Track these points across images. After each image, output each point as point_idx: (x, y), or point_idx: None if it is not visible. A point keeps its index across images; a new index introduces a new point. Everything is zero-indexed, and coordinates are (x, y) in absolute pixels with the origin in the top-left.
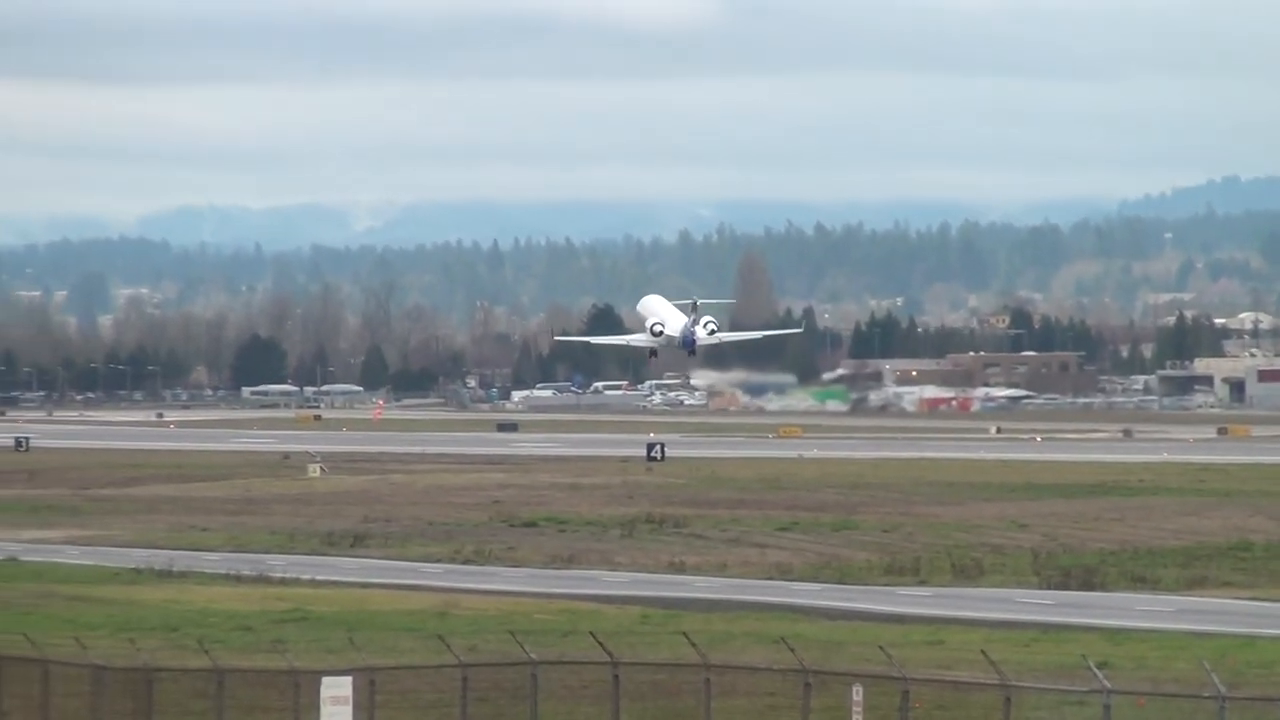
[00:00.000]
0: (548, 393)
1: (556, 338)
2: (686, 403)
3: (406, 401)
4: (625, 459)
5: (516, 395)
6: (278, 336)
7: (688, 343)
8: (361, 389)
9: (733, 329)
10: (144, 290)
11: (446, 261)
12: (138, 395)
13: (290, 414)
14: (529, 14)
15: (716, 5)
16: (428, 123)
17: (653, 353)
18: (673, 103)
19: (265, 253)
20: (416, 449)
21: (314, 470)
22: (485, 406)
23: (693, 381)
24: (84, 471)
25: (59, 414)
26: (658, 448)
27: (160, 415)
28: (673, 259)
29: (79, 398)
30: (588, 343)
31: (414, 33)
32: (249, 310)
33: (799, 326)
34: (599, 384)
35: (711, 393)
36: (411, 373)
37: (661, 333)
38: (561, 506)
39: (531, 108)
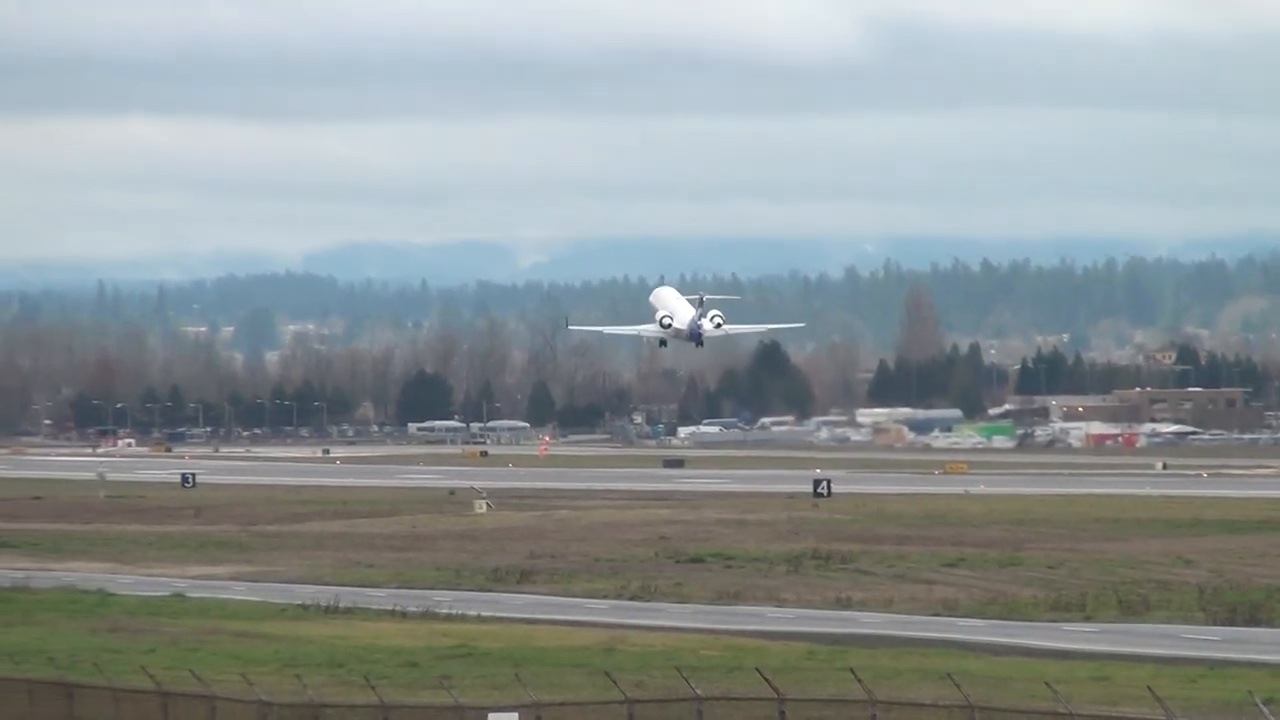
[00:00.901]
0: (714, 429)
1: (571, 327)
2: (853, 439)
3: (573, 437)
4: (791, 495)
5: (683, 431)
6: (444, 372)
7: (694, 334)
8: (528, 425)
9: (899, 365)
10: (310, 326)
11: (613, 297)
12: (304, 431)
13: (456, 450)
14: (693, 50)
15: (879, 42)
16: (594, 158)
17: (662, 342)
18: (838, 139)
19: (431, 289)
20: (583, 485)
21: (480, 506)
22: (652, 442)
23: (859, 417)
24: (250, 508)
25: (225, 450)
26: (824, 483)
27: (326, 451)
28: (839, 295)
29: (245, 434)
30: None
31: (581, 69)
32: (415, 346)
33: (965, 362)
34: (765, 420)
35: (877, 429)
36: (578, 408)
37: (670, 325)
38: (728, 542)
39: (697, 143)
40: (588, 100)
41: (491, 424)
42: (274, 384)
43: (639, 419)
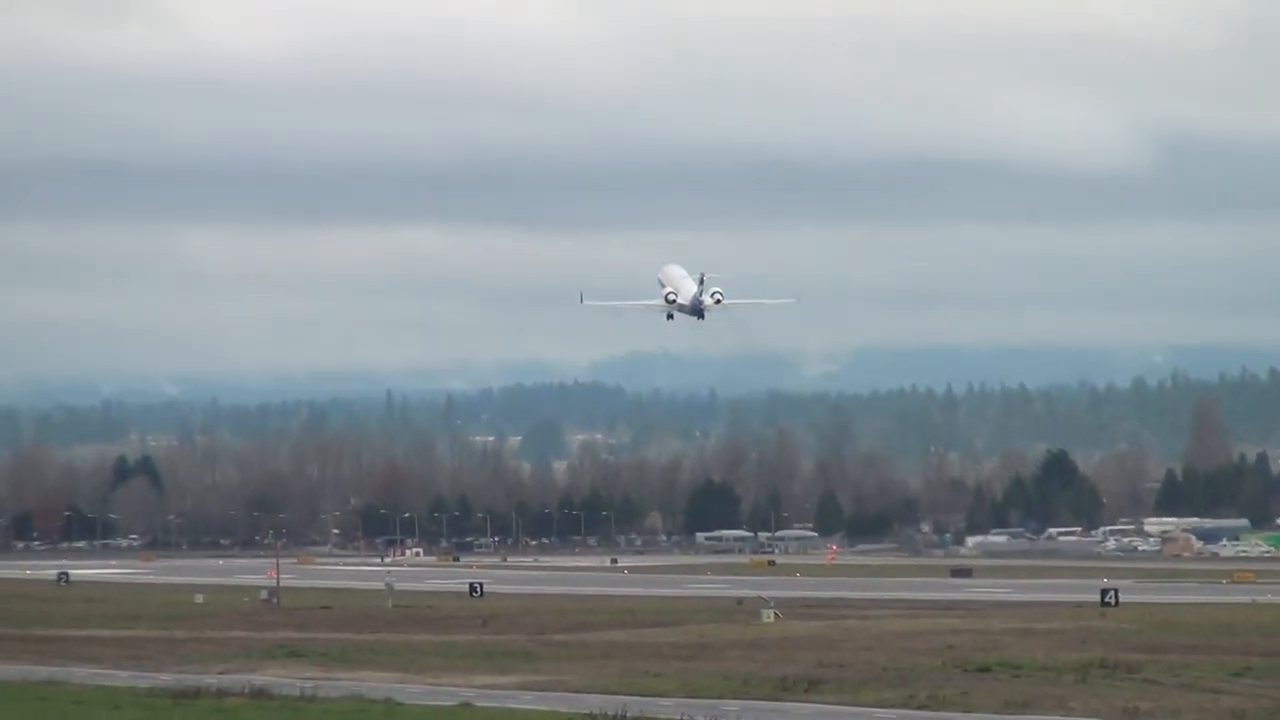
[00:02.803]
0: (1001, 538)
1: (585, 302)
2: (1140, 548)
3: (860, 547)
4: (1078, 604)
5: (971, 540)
6: (731, 481)
7: (696, 308)
8: (815, 534)
9: (1186, 474)
10: (598, 435)
11: (900, 407)
12: (591, 540)
13: (744, 559)
14: (976, 159)
15: (1158, 150)
16: (878, 267)
17: (669, 316)
18: (1122, 247)
19: (720, 398)
20: (870, 594)
21: (768, 615)
22: (939, 552)
23: (1146, 527)
24: (538, 617)
25: (513, 559)
26: (1111, 593)
27: (614, 561)
28: (1127, 405)
29: (533, 543)
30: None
31: (865, 177)
32: (703, 455)
33: (1253, 472)
34: (1052, 529)
35: (1165, 538)
36: (865, 518)
37: (675, 299)
38: (1015, 652)
39: (982, 252)
40: (872, 208)
41: (779, 533)
42: (561, 493)
43: (926, 528)
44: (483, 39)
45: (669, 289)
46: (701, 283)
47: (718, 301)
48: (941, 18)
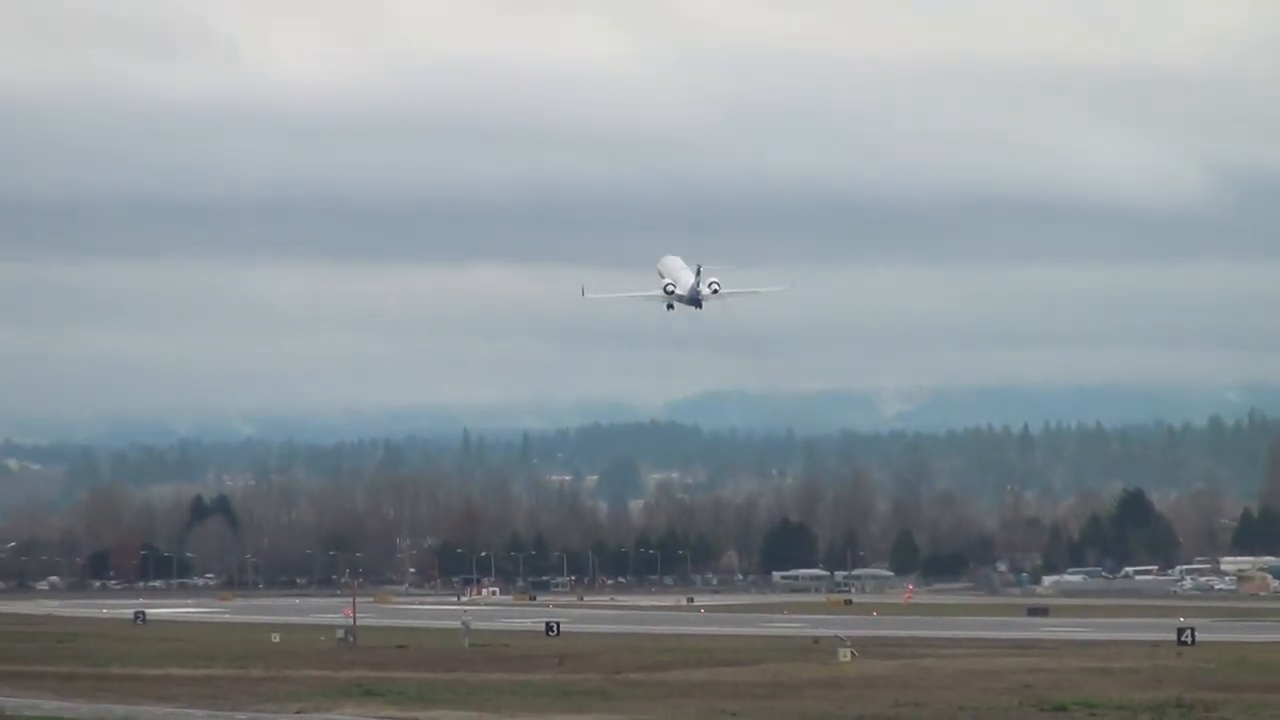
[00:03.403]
0: (1078, 577)
1: (586, 295)
2: (1217, 587)
3: (936, 586)
4: (1155, 643)
5: (1047, 580)
6: (808, 521)
7: (694, 299)
8: (892, 573)
9: (1263, 513)
10: (674, 474)
11: (976, 446)
12: (668, 580)
13: (820, 598)
14: (1048, 197)
15: (1230, 189)
16: (954, 306)
17: (669, 306)
18: (1196, 286)
19: (796, 437)
20: (947, 633)
21: (844, 655)
22: (1015, 591)
23: (1223, 566)
24: (614, 656)
25: (589, 598)
26: (1188, 631)
27: (690, 600)
28: (1203, 444)
29: (609, 582)
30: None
31: (937, 216)
32: (779, 494)
33: None
34: (1129, 568)
35: (1242, 577)
36: (941, 557)
37: (673, 290)
38: (1091, 691)
39: (1056, 290)
40: (947, 248)
41: (855, 572)
42: (638, 532)
43: (1003, 567)
44: (555, 77)
45: (667, 280)
46: (699, 274)
47: (715, 291)
48: (1012, 58)
